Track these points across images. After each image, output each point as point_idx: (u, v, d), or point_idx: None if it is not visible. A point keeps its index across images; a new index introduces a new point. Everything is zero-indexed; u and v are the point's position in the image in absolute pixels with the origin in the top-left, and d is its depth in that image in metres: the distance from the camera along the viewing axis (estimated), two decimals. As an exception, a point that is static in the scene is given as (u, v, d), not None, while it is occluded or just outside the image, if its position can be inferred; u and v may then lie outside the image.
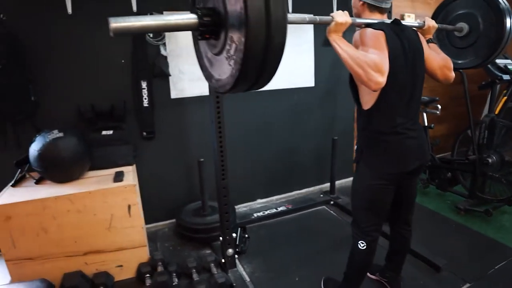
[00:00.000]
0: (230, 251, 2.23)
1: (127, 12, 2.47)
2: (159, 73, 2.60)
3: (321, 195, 3.35)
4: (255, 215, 2.92)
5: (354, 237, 1.77)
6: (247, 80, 0.98)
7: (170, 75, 2.66)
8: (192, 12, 1.00)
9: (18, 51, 2.25)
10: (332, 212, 3.14)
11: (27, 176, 2.28)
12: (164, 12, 2.55)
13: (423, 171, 3.40)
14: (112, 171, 2.36)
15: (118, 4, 2.47)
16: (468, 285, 2.10)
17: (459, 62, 2.10)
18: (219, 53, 1.07)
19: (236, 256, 2.32)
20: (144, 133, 2.68)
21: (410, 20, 3.59)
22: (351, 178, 3.63)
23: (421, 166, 1.70)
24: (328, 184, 3.38)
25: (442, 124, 4.18)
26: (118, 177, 2.22)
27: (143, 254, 2.28)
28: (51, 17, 2.32)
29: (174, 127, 2.79)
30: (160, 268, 2.18)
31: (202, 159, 2.62)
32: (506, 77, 2.95)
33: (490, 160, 2.92)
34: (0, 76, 2.18)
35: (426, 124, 3.21)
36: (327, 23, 1.40)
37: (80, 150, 2.20)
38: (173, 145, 2.82)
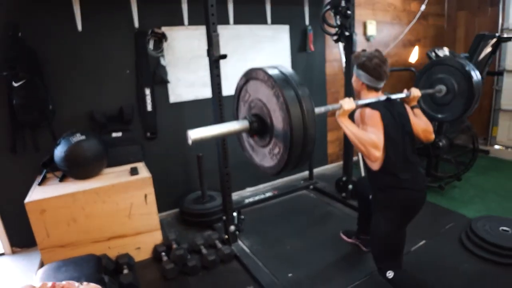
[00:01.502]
0: (232, 227, 2.67)
1: (129, 28, 2.84)
2: (159, 80, 2.98)
3: (302, 182, 3.84)
4: (246, 201, 3.37)
5: (381, 273, 1.94)
6: (286, 171, 1.41)
7: (169, 82, 3.04)
8: (244, 118, 1.45)
9: (37, 65, 2.53)
10: (312, 195, 3.66)
11: (48, 176, 2.58)
12: (162, 28, 2.93)
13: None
14: (125, 167, 2.72)
15: (121, 21, 2.82)
16: (424, 241, 2.65)
17: (439, 116, 2.56)
18: (262, 147, 1.49)
19: (237, 232, 2.75)
20: (148, 134, 3.05)
21: (371, 30, 4.13)
22: (326, 166, 4.19)
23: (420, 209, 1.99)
24: (307, 172, 3.87)
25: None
26: (134, 171, 2.59)
27: (158, 237, 2.66)
28: (63, 34, 2.63)
29: (174, 128, 3.17)
30: (175, 246, 2.58)
31: (201, 154, 3.02)
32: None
33: (441, 144, 3.52)
34: (24, 89, 2.44)
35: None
36: (337, 109, 1.78)
37: (100, 150, 2.55)
38: (173, 143, 3.19)
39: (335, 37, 2.92)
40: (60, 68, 2.66)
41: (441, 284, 2.11)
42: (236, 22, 3.26)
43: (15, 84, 2.45)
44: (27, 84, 2.47)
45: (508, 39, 3.79)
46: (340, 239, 2.72)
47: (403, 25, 4.51)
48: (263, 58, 3.48)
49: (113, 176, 2.57)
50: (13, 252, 2.76)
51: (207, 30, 2.30)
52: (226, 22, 3.20)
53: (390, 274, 1.88)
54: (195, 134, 1.32)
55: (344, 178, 3.36)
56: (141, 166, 2.75)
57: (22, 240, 2.75)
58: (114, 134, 2.85)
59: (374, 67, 1.87)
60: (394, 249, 1.93)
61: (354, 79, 2.02)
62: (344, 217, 3.08)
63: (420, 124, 2.04)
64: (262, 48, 3.44)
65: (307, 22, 3.68)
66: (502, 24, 4.44)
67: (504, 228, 2.58)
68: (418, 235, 2.69)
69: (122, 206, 2.49)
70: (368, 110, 1.84)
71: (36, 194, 2.32)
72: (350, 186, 3.28)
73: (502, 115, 4.66)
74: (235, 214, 2.75)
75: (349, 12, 2.69)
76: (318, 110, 1.64)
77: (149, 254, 2.65)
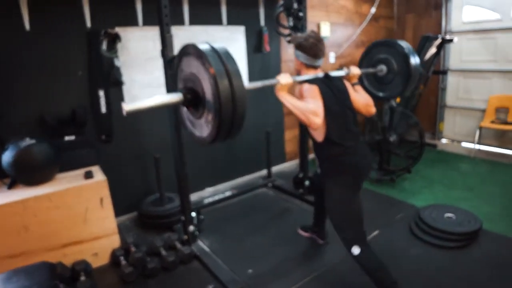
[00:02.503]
0: (191, 227, 2.68)
1: (81, 27, 2.76)
2: (114, 82, 2.92)
3: (261, 180, 3.90)
4: (206, 201, 3.37)
5: (347, 249, 1.98)
6: (221, 137, 1.49)
7: (124, 83, 3.00)
8: (179, 91, 1.54)
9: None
10: (271, 192, 3.74)
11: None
12: (116, 28, 2.88)
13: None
14: (79, 171, 2.65)
15: (73, 21, 2.73)
16: (377, 231, 2.80)
17: (380, 94, 2.68)
18: (198, 118, 1.57)
19: (196, 232, 2.76)
20: (103, 137, 2.98)
21: (325, 30, 4.28)
22: (284, 164, 4.29)
23: (367, 176, 2.15)
24: (265, 171, 3.93)
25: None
26: (89, 175, 2.53)
27: (116, 241, 2.62)
28: (10, 34, 2.50)
29: (129, 130, 3.12)
30: (133, 249, 2.55)
31: (158, 155, 3.00)
32: (413, 86, 3.72)
33: (391, 139, 3.72)
34: None
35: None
36: (275, 84, 1.86)
37: (51, 154, 2.46)
38: (129, 145, 3.15)
39: (288, 38, 3.00)
40: (7, 69, 2.53)
41: (394, 269, 2.24)
42: (192, 23, 3.25)
43: (-43, 88, 2.33)
44: (-32, 87, 2.35)
45: (450, 40, 4.07)
46: (298, 234, 2.81)
47: (356, 26, 4.71)
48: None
49: (67, 181, 2.50)
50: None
51: (161, 31, 2.30)
52: (182, 23, 3.19)
53: (356, 250, 1.94)
54: (129, 106, 1.37)
55: (300, 175, 3.46)
56: (96, 169, 2.69)
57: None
58: (67, 138, 2.76)
59: (311, 46, 2.00)
60: (352, 216, 2.01)
61: (294, 61, 2.14)
62: (302, 213, 3.16)
63: (360, 99, 2.15)
64: (215, 40, 3.44)
65: (262, 23, 3.74)
66: (446, 26, 4.75)
67: (449, 215, 2.79)
68: (372, 225, 2.82)
69: (77, 211, 2.42)
70: (306, 85, 1.94)
71: (-18, 203, 2.21)
72: (307, 182, 3.38)
73: (447, 111, 5.00)
74: (194, 214, 2.75)
75: (301, 14, 2.78)
76: (254, 84, 1.81)
77: (107, 259, 2.59)
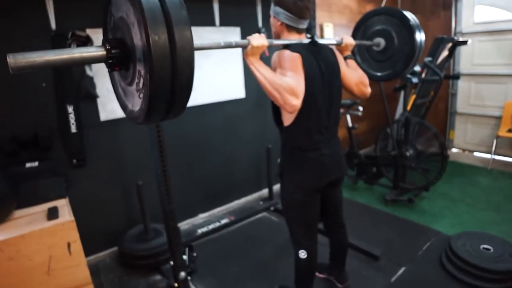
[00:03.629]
0: (183, 274, 2.19)
1: (45, 29, 2.27)
2: (85, 95, 2.43)
3: (261, 202, 3.42)
4: (199, 231, 2.88)
5: (294, 248, 1.89)
6: (158, 113, 0.98)
7: (98, 97, 2.50)
8: (101, 44, 0.98)
9: None
10: (273, 218, 3.26)
11: None
12: (87, 30, 2.39)
13: (351, 168, 3.71)
14: (43, 207, 2.14)
15: (34, 21, 2.24)
16: (403, 268, 2.37)
17: (378, 74, 2.27)
18: (130, 84, 1.06)
19: (189, 278, 2.28)
20: (74, 161, 2.47)
21: (328, 32, 3.87)
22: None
23: (338, 179, 1.85)
24: (265, 191, 3.49)
25: (363, 121, 4.59)
26: (53, 214, 2.01)
27: (89, 293, 2.13)
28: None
29: (107, 151, 2.63)
30: (111, 305, 2.06)
31: (140, 182, 2.51)
32: (414, 79, 3.36)
33: (408, 154, 3.30)
34: None
35: (350, 125, 3.50)
36: (244, 46, 1.42)
37: (5, 190, 1.96)
38: (106, 170, 2.65)
39: (295, 41, 2.56)
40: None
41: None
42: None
43: None
44: None
45: (464, 42, 3.70)
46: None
47: (360, 27, 4.30)
48: (212, 64, 3.04)
49: (24, 222, 1.98)
50: None
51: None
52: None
53: (302, 254, 1.84)
54: (18, 57, 0.84)
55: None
56: (63, 204, 2.17)
57: None
58: (28, 165, 2.25)
59: (294, 1, 1.57)
60: (303, 219, 1.81)
61: (271, 20, 1.71)
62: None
63: (353, 75, 1.78)
64: (210, 53, 2.98)
65: (260, 24, 3.30)
66: (455, 28, 4.40)
67: (486, 246, 2.37)
68: (396, 261, 2.43)
69: (37, 261, 1.91)
70: (287, 52, 1.52)
71: None
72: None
73: (458, 118, 4.65)
74: (185, 257, 2.27)
75: (310, 12, 2.34)
76: (216, 42, 1.28)
77: (79, 316, 2.09)
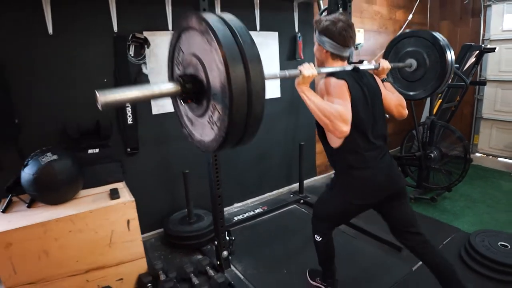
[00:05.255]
0: (225, 253, 2.45)
1: (108, 32, 2.56)
2: (141, 91, 2.71)
3: (291, 195, 3.67)
4: (235, 218, 3.15)
5: (312, 230, 2.07)
6: (231, 143, 1.08)
7: (152, 92, 2.78)
8: (175, 80, 1.11)
9: (0, 73, 2.21)
10: (303, 210, 3.49)
11: (13, 200, 2.25)
12: (144, 33, 2.67)
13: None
14: (104, 188, 2.43)
15: (99, 25, 2.53)
16: (423, 261, 2.55)
17: (411, 93, 2.40)
18: (200, 116, 1.16)
19: (229, 257, 2.53)
20: (129, 149, 2.77)
21: (360, 37, 4.05)
22: (315, 178, 4.04)
23: (397, 193, 1.84)
24: (295, 185, 3.71)
25: (389, 124, 4.72)
26: (115, 194, 2.30)
27: (142, 265, 2.39)
28: (32, 38, 2.31)
29: (156, 142, 2.91)
30: (162, 277, 2.32)
31: (187, 171, 2.78)
32: (446, 85, 3.50)
33: (432, 155, 3.46)
34: None
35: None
36: (296, 76, 1.54)
37: (75, 172, 2.25)
38: (156, 158, 2.93)
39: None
40: (28, 76, 2.34)
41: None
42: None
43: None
44: (-14, 95, 2.14)
45: (491, 49, 3.81)
46: (341, 263, 2.55)
47: (389, 33, 4.47)
48: (251, 66, 3.28)
49: (91, 200, 2.28)
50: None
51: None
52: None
53: (318, 238, 2.02)
54: (107, 96, 0.96)
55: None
56: (121, 187, 2.47)
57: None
58: (90, 151, 2.54)
59: (339, 31, 1.67)
60: (337, 220, 2.02)
61: (316, 48, 1.81)
62: (339, 234, 2.90)
63: (392, 98, 1.88)
64: (250, 56, 3.24)
65: (296, 29, 3.52)
66: (483, 35, 4.49)
67: (503, 243, 2.52)
68: None
69: (101, 234, 2.20)
70: (333, 80, 1.63)
71: (0, 224, 2.00)
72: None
73: (483, 123, 4.73)
74: (227, 238, 2.52)
75: (347, 20, 2.54)
76: (273, 73, 1.42)
77: (133, 285, 2.37)
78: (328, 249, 2.07)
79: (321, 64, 1.82)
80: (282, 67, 3.52)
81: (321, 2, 3.50)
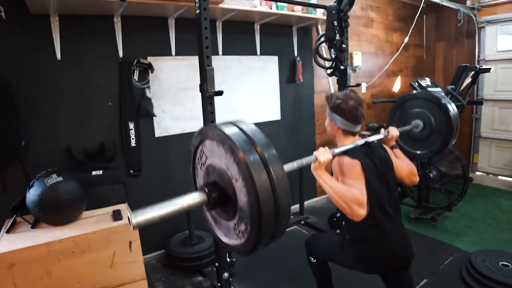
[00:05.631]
0: (226, 275, 2.44)
1: (113, 57, 2.66)
2: (145, 113, 2.79)
3: (292, 217, 3.68)
4: (236, 239, 3.15)
5: (306, 253, 2.13)
6: (256, 251, 1.08)
7: (155, 116, 2.86)
8: (201, 189, 1.13)
9: (9, 96, 2.28)
10: (303, 231, 3.50)
11: (17, 221, 2.29)
12: (148, 58, 2.77)
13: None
14: (107, 210, 2.47)
15: (105, 50, 2.64)
16: (426, 280, 2.55)
17: (418, 152, 2.47)
18: (226, 220, 1.18)
19: (230, 279, 2.53)
20: (132, 171, 2.82)
21: (357, 60, 4.15)
22: (316, 199, 4.07)
23: (405, 264, 1.83)
24: (296, 206, 3.73)
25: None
26: (117, 216, 2.35)
27: (144, 287, 2.41)
28: (40, 63, 2.42)
29: (159, 164, 2.97)
30: (163, 298, 2.34)
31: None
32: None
33: (431, 175, 3.49)
34: None
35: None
36: (312, 162, 1.58)
37: (79, 193, 2.29)
38: (158, 180, 2.98)
39: (329, 71, 2.85)
40: (35, 99, 2.43)
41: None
42: (225, 52, 3.14)
43: (-19, 116, 2.20)
44: (-4, 117, 2.21)
45: (487, 70, 3.89)
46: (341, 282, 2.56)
47: (386, 55, 4.58)
48: (252, 89, 3.38)
49: (94, 222, 2.31)
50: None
51: (201, 64, 2.14)
52: (215, 53, 3.07)
53: (313, 259, 2.10)
54: (138, 217, 0.98)
55: (338, 214, 3.23)
56: (124, 208, 2.51)
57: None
58: (94, 173, 2.60)
59: (351, 110, 1.73)
60: (335, 261, 2.01)
61: (328, 123, 1.87)
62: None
63: (404, 167, 1.89)
64: (251, 79, 3.34)
65: (296, 53, 3.62)
66: (479, 56, 4.59)
67: (505, 263, 2.52)
68: (418, 273, 2.59)
69: (103, 255, 2.23)
70: (346, 160, 1.66)
71: (3, 244, 2.02)
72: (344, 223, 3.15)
73: (482, 142, 4.77)
74: (229, 259, 2.53)
75: (344, 45, 2.63)
76: (290, 166, 1.43)
77: (134, 307, 2.38)
78: (323, 270, 2.11)
79: (332, 138, 1.88)
80: (282, 90, 3.61)
81: (319, 27, 3.63)
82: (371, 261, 1.78)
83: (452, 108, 2.30)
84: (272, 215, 0.97)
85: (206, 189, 1.13)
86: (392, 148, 2.00)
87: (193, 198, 1.10)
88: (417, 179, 1.93)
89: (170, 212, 1.05)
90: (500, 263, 2.53)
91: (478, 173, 4.85)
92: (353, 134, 1.82)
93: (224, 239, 1.25)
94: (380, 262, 1.78)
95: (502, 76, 4.48)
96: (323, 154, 1.58)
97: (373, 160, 1.73)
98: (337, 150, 1.67)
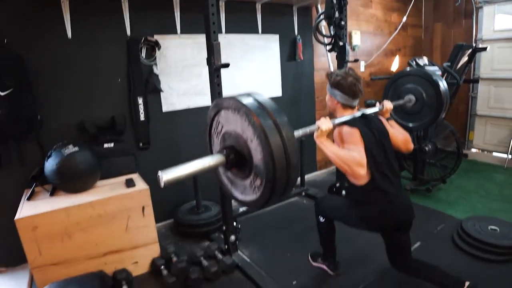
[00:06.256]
0: (233, 237, 2.63)
1: (122, 35, 2.77)
2: (152, 89, 2.92)
3: (293, 189, 3.83)
4: (240, 209, 3.33)
5: (315, 212, 2.31)
6: (271, 203, 1.37)
7: (162, 91, 2.99)
8: (219, 152, 1.31)
9: (24, 73, 2.40)
10: (304, 201, 3.69)
11: (36, 190, 2.44)
12: (155, 36, 2.89)
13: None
14: (119, 179, 2.63)
15: (113, 29, 2.75)
16: (419, 243, 2.72)
17: (411, 125, 2.62)
18: (242, 179, 1.36)
19: (237, 242, 2.71)
20: (141, 144, 2.97)
21: (356, 39, 4.25)
22: (316, 172, 4.22)
23: (406, 225, 2.01)
24: (298, 179, 3.89)
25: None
26: (130, 183, 2.51)
27: (156, 250, 2.58)
28: (52, 41, 2.53)
29: (167, 137, 3.12)
30: (175, 259, 2.51)
31: (195, 164, 2.97)
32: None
33: (427, 149, 3.64)
34: (11, 99, 2.32)
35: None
36: (315, 131, 1.72)
37: (94, 162, 2.46)
38: (166, 153, 3.13)
39: (329, 47, 2.97)
40: (49, 76, 2.55)
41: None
42: (228, 31, 3.26)
43: (1, 93, 2.31)
44: (13, 93, 2.33)
45: (483, 49, 3.99)
46: (340, 245, 2.73)
47: (385, 35, 4.68)
48: (254, 67, 3.50)
49: (108, 189, 2.48)
50: (-2, 272, 2.59)
51: (208, 39, 2.28)
52: (219, 31, 3.17)
53: (321, 219, 2.27)
54: (167, 175, 1.15)
55: (337, 184, 3.40)
56: (136, 177, 2.67)
57: (8, 258, 2.60)
58: (105, 145, 2.75)
59: (349, 85, 1.88)
60: (341, 220, 2.18)
61: (328, 98, 2.02)
62: (339, 224, 3.08)
63: (399, 135, 2.05)
64: (253, 57, 3.46)
65: (296, 31, 3.73)
66: (476, 35, 4.68)
67: (493, 227, 2.69)
68: (413, 237, 2.69)
69: (118, 219, 2.40)
70: (346, 128, 1.82)
71: (26, 210, 2.19)
72: (344, 192, 3.32)
73: (478, 120, 4.90)
74: (235, 223, 2.70)
75: (343, 22, 2.75)
76: (296, 133, 1.54)
77: (147, 268, 2.56)
78: (330, 229, 2.29)
79: (332, 111, 2.03)
80: (282, 68, 3.73)
81: (319, 6, 3.73)
82: (375, 221, 1.95)
83: (443, 83, 2.44)
84: (284, 168, 1.13)
85: (225, 152, 1.29)
86: (387, 120, 2.13)
87: (213, 159, 1.27)
88: (411, 146, 2.10)
89: (194, 171, 1.22)
90: (489, 227, 2.69)
91: (473, 150, 4.99)
92: (352, 107, 1.97)
93: (241, 197, 1.42)
94: (383, 222, 1.95)
95: (498, 55, 4.57)
96: (324, 123, 1.73)
97: (371, 130, 1.88)
98: (337, 121, 1.83)
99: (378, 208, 1.90)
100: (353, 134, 1.79)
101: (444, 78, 3.87)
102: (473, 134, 4.96)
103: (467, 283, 1.83)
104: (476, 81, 4.48)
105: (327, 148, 1.74)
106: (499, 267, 2.39)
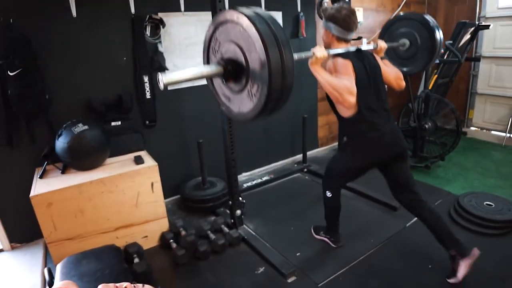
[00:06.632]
0: (238, 212, 2.73)
1: (126, 14, 2.77)
2: (158, 67, 2.94)
3: (295, 165, 3.94)
4: (244, 185, 3.43)
5: (323, 188, 2.38)
6: (267, 110, 1.30)
7: (167, 69, 3.01)
8: (218, 63, 1.36)
9: (31, 53, 2.41)
10: (306, 177, 3.78)
11: (47, 168, 2.51)
12: (159, 14, 2.89)
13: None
14: (128, 156, 2.70)
15: (118, 7, 2.73)
16: (415, 218, 2.80)
17: (404, 69, 2.65)
18: (239, 92, 1.40)
19: (242, 216, 2.81)
20: (147, 122, 3.02)
21: (359, 16, 4.23)
22: (317, 149, 4.30)
23: (400, 154, 2.13)
24: (299, 156, 3.98)
25: (388, 98, 4.95)
26: (139, 160, 2.58)
27: (165, 224, 2.69)
28: (57, 20, 2.52)
29: (172, 115, 3.17)
30: (183, 232, 2.61)
31: (201, 140, 3.04)
32: (436, 60, 3.72)
33: (426, 126, 3.71)
34: (20, 79, 2.34)
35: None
36: (310, 57, 1.80)
37: (104, 140, 2.51)
38: (172, 130, 3.19)
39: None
40: (55, 55, 2.56)
41: (435, 255, 2.30)
42: (231, 7, 3.23)
43: (10, 74, 2.34)
44: (22, 73, 2.35)
45: (486, 27, 3.99)
46: (341, 221, 2.83)
47: (387, 12, 4.64)
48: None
49: (118, 166, 2.55)
50: (12, 248, 2.69)
51: (213, 16, 2.30)
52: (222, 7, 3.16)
53: (328, 194, 2.33)
54: (167, 78, 1.24)
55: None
56: (144, 154, 2.74)
57: (21, 235, 2.70)
58: (113, 123, 2.80)
59: (344, 18, 1.94)
60: (347, 177, 2.33)
61: (323, 33, 2.08)
62: (343, 201, 3.18)
63: (391, 72, 2.15)
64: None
65: (299, 8, 3.71)
66: (479, 13, 4.65)
67: (488, 203, 2.79)
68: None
69: (129, 195, 2.48)
70: (340, 59, 1.90)
71: (40, 187, 2.27)
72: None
73: (478, 99, 4.94)
74: (240, 198, 2.80)
75: (346, -1, 2.75)
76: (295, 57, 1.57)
77: (156, 241, 2.67)
78: (336, 204, 2.38)
79: (328, 46, 2.04)
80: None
81: (322, -17, 3.69)
82: (368, 151, 2.07)
83: (439, 32, 2.47)
84: (280, 71, 1.18)
85: (223, 62, 1.35)
86: (381, 59, 2.20)
87: (211, 68, 1.34)
88: (403, 83, 2.18)
89: (192, 76, 1.29)
90: (485, 203, 2.80)
91: (472, 128, 5.06)
92: (346, 41, 2.02)
93: (238, 110, 1.46)
94: (376, 150, 2.06)
95: (501, 33, 4.54)
96: (319, 51, 1.79)
97: (363, 63, 1.97)
98: (332, 51, 1.90)
99: (367, 138, 2.03)
100: (346, 66, 1.87)
101: (445, 56, 3.90)
102: (472, 113, 5.02)
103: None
104: (477, 59, 4.49)
105: (321, 75, 1.82)
106: (493, 240, 2.51)
